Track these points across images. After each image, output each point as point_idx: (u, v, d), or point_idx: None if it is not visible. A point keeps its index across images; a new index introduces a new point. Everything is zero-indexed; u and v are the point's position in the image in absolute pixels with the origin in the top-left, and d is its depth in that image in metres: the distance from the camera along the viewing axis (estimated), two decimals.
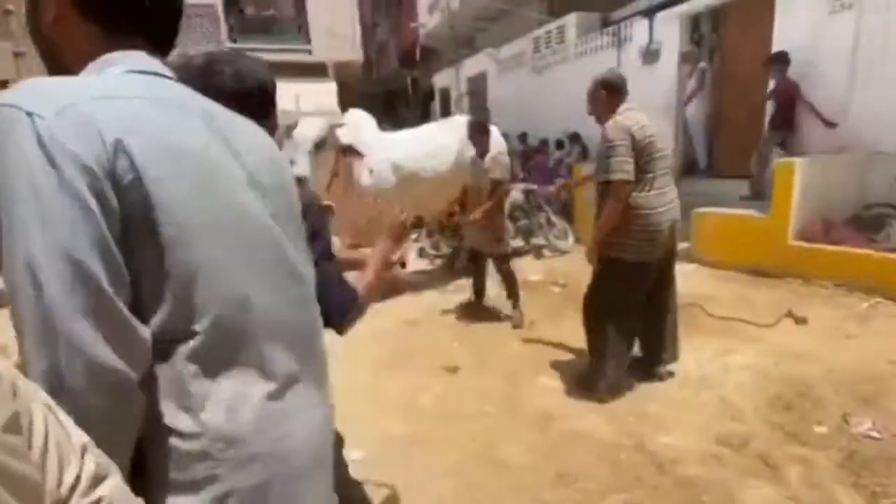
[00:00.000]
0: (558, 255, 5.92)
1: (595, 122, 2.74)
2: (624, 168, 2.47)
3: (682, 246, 4.80)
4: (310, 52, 12.46)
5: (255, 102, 1.11)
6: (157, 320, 0.61)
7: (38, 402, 0.45)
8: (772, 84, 5.14)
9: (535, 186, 6.33)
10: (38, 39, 0.71)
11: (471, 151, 4.16)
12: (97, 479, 0.47)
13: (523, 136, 8.94)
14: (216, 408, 0.63)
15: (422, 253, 6.29)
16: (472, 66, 12.08)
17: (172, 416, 0.62)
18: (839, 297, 3.92)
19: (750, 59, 5.46)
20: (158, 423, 0.61)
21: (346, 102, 7.60)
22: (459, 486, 2.19)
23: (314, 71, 11.89)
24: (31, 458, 0.41)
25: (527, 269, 5.32)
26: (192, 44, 10.70)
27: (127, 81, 0.66)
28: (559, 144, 8.15)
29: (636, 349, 2.94)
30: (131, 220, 0.57)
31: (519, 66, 10.05)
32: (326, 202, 1.52)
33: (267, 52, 9.64)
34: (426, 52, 14.35)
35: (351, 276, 1.20)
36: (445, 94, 13.89)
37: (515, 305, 4.05)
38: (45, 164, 0.52)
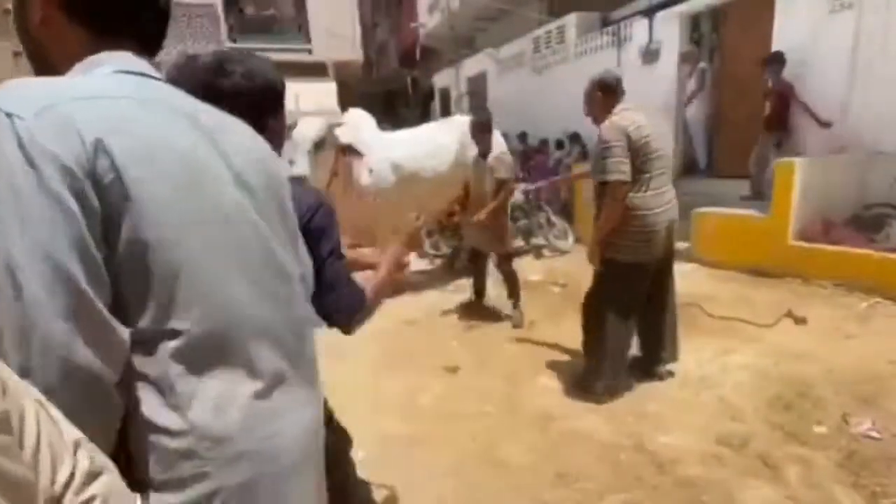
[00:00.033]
0: (558, 255, 5.92)
1: (592, 122, 2.75)
2: (620, 168, 2.47)
3: (682, 246, 4.80)
4: (310, 51, 12.47)
5: (265, 101, 1.12)
6: (140, 320, 0.61)
7: (30, 400, 0.45)
8: (770, 84, 5.15)
9: (535, 185, 6.34)
10: (26, 40, 0.72)
11: (473, 151, 4.15)
12: (91, 476, 0.47)
13: (523, 136, 8.94)
14: (203, 406, 0.64)
15: (421, 253, 6.28)
16: (471, 66, 12.07)
17: (159, 414, 0.62)
18: (839, 297, 3.92)
19: (750, 59, 5.46)
20: (145, 421, 0.61)
21: (345, 102, 7.60)
22: (459, 486, 2.19)
23: (314, 71, 11.89)
24: (24, 457, 0.41)
25: (527, 269, 5.31)
26: (192, 43, 10.71)
27: (112, 82, 0.66)
28: (559, 144, 8.15)
29: (636, 349, 2.94)
30: (112, 220, 0.57)
31: (519, 65, 10.05)
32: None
33: (267, 51, 9.61)
34: (426, 51, 14.34)
35: (358, 277, 1.20)
36: (445, 94, 13.88)
37: (516, 305, 4.05)
38: (24, 164, 0.53)
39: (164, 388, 0.62)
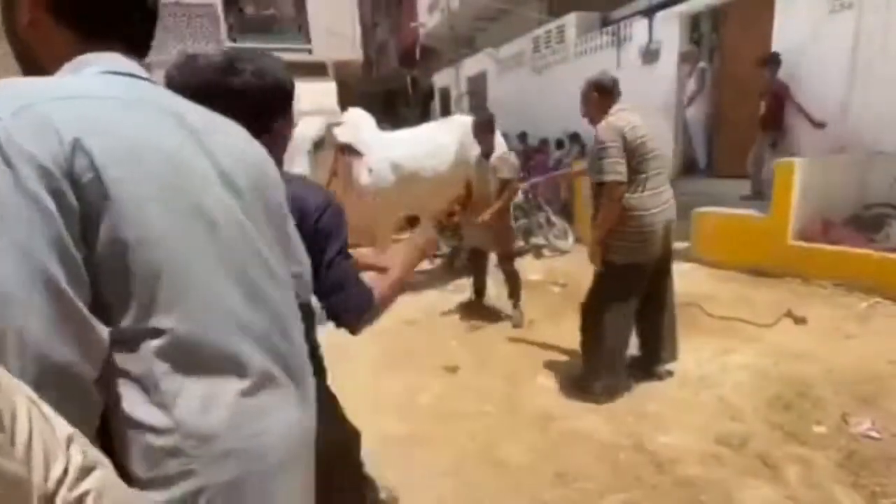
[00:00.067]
0: (558, 255, 5.92)
1: (588, 123, 2.76)
2: (616, 169, 2.48)
3: (681, 245, 4.81)
4: (310, 51, 12.47)
5: (274, 101, 1.12)
6: (123, 318, 0.61)
7: (22, 397, 0.45)
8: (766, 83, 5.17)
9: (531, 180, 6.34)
10: (14, 42, 0.72)
11: (474, 150, 4.15)
12: (85, 471, 0.47)
13: (523, 136, 8.94)
14: (189, 404, 0.64)
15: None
16: (471, 65, 12.07)
17: (144, 412, 0.62)
18: (838, 297, 3.92)
19: (750, 59, 5.46)
20: (129, 419, 0.62)
21: (345, 102, 7.59)
22: (458, 486, 2.19)
23: (314, 70, 11.88)
24: (16, 454, 0.41)
25: (526, 268, 5.31)
26: (192, 43, 10.71)
27: (99, 82, 0.66)
28: (559, 144, 8.15)
29: (635, 349, 2.94)
30: (91, 220, 0.57)
31: (519, 65, 10.05)
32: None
33: (267, 51, 9.61)
34: (426, 51, 14.34)
35: (366, 277, 1.20)
36: (445, 94, 13.89)
37: (516, 305, 4.05)
38: (0, 164, 0.53)
39: (148, 386, 0.62)
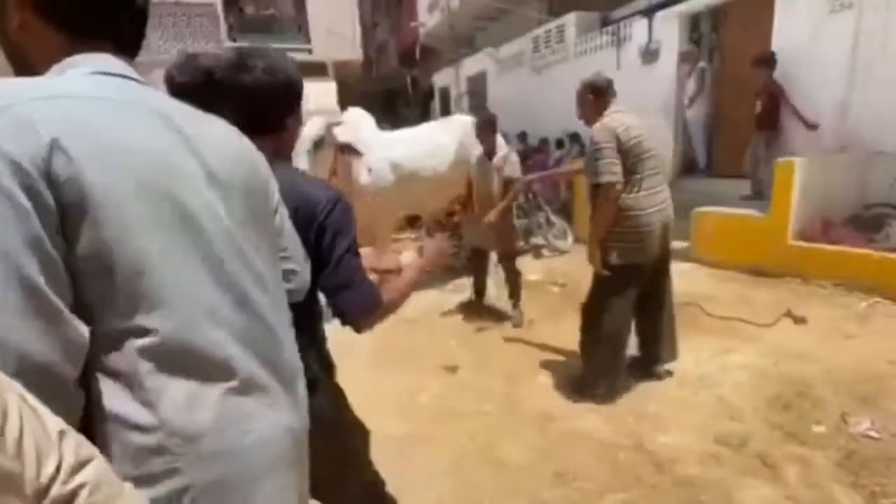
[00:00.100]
0: (557, 255, 5.91)
1: (584, 125, 2.78)
2: (611, 170, 2.49)
3: (681, 245, 4.81)
4: (310, 51, 12.45)
5: (285, 97, 1.13)
6: (106, 317, 0.61)
7: (13, 394, 0.45)
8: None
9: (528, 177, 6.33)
10: (5, 43, 0.74)
11: (474, 150, 4.14)
12: (78, 465, 0.47)
13: (522, 136, 8.94)
14: (174, 403, 0.64)
15: (422, 252, 6.27)
16: (471, 65, 12.07)
17: (129, 409, 0.62)
18: (838, 297, 3.92)
19: (750, 59, 5.46)
20: (115, 416, 0.62)
21: (345, 101, 7.59)
22: (458, 486, 2.19)
23: (314, 70, 11.86)
24: (7, 450, 0.41)
25: (526, 268, 5.30)
26: (192, 43, 10.70)
27: (86, 82, 0.67)
28: (559, 144, 8.14)
29: (635, 349, 2.94)
30: (71, 219, 0.58)
31: (518, 65, 10.05)
32: None
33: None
34: (426, 51, 14.34)
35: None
36: (445, 94, 13.88)
37: (516, 305, 4.05)
38: None
39: (133, 384, 0.63)
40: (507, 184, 3.81)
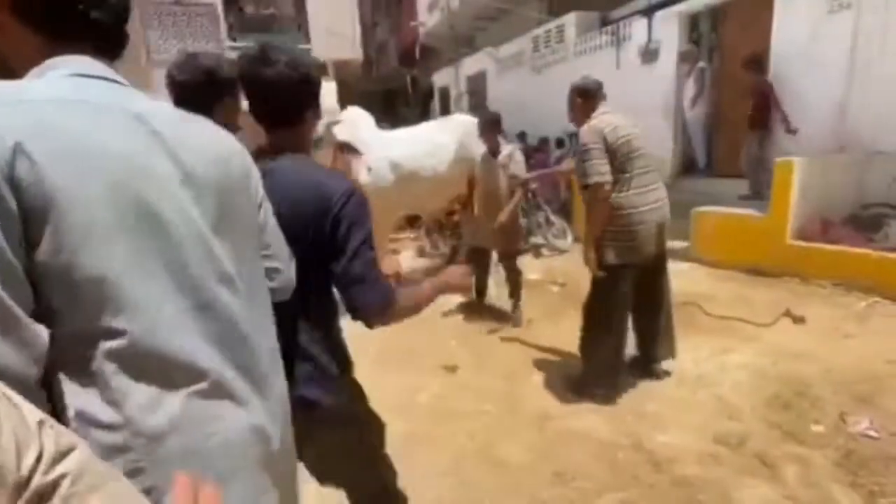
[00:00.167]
0: (557, 255, 5.92)
1: (574, 126, 2.80)
2: (599, 170, 2.51)
3: (680, 245, 4.82)
4: (310, 51, 12.45)
5: (304, 90, 1.16)
6: (70, 321, 0.62)
7: None
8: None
9: (536, 172, 6.34)
10: None
11: (475, 149, 4.14)
12: (59, 455, 0.47)
13: (522, 136, 8.93)
14: (139, 403, 0.65)
15: (421, 252, 6.28)
16: (471, 65, 12.06)
17: (95, 408, 0.63)
18: (837, 297, 3.92)
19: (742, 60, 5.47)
20: (80, 415, 0.62)
21: (345, 101, 7.58)
22: (457, 485, 2.19)
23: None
24: None
25: (525, 268, 5.30)
26: (192, 42, 10.70)
27: (62, 85, 0.67)
28: (559, 143, 8.14)
29: (633, 348, 2.94)
30: (33, 223, 0.58)
31: (518, 65, 10.04)
32: None
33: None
34: (426, 50, 14.33)
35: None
36: (445, 93, 13.88)
37: (516, 304, 4.05)
38: None
39: (100, 384, 0.63)
40: (514, 182, 3.80)
